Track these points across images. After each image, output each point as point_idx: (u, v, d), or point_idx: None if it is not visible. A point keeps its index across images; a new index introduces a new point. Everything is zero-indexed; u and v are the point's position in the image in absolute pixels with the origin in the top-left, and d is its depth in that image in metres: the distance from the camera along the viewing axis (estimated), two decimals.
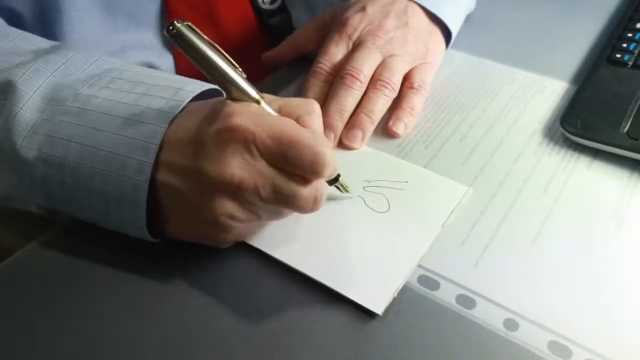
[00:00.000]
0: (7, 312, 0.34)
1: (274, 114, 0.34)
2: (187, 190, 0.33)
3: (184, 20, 0.31)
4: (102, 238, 0.37)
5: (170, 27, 0.31)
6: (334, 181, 0.38)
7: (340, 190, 0.39)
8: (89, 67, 0.38)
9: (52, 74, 0.36)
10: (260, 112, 0.33)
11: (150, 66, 0.52)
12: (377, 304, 0.33)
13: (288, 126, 0.32)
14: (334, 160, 0.33)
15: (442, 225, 0.38)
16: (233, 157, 0.31)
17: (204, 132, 0.32)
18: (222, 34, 0.54)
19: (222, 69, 0.32)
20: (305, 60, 0.52)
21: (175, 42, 0.31)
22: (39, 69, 0.36)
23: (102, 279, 0.35)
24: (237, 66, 0.33)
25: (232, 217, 0.32)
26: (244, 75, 0.33)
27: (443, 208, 0.39)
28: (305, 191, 0.32)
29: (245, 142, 0.31)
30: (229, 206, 0.32)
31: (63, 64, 0.37)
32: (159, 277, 0.35)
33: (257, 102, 0.33)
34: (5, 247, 0.42)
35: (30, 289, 0.35)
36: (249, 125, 0.31)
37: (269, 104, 0.34)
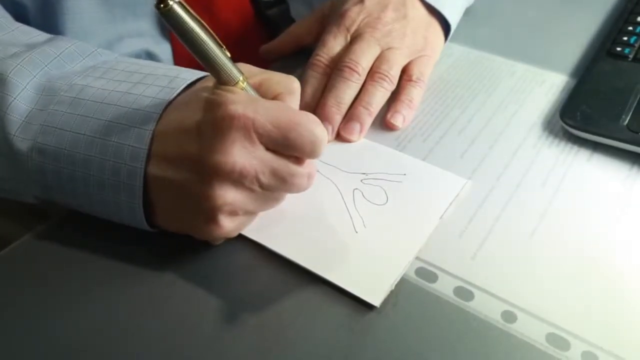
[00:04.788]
0: (4, 303, 0.34)
1: (254, 94, 0.34)
2: (184, 180, 0.32)
3: None
4: (98, 229, 0.37)
5: (161, 4, 0.29)
6: None
7: None
8: (84, 59, 0.38)
9: (46, 65, 0.36)
10: (253, 98, 0.33)
11: (149, 54, 0.52)
12: (375, 296, 0.33)
13: (284, 110, 0.32)
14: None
15: (441, 218, 0.38)
16: (233, 145, 0.31)
17: (200, 121, 0.32)
18: (220, 25, 0.54)
19: (211, 48, 0.31)
20: (303, 53, 0.52)
21: (164, 19, 0.30)
22: (33, 60, 0.36)
23: (97, 271, 0.35)
24: (223, 45, 0.32)
25: (230, 207, 0.32)
26: (228, 55, 0.32)
27: (441, 200, 0.39)
28: (302, 169, 0.34)
29: (246, 129, 0.31)
30: (229, 195, 0.32)
31: (58, 55, 0.37)
32: (154, 269, 0.35)
33: (240, 82, 0.33)
34: (5, 237, 0.42)
35: (28, 280, 0.35)
36: (247, 112, 0.31)
37: (251, 76, 0.34)
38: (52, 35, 0.40)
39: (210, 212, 0.32)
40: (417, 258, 0.35)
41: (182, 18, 0.29)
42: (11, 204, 0.43)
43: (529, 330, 0.32)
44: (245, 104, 0.31)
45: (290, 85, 0.35)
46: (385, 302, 0.33)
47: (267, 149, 0.32)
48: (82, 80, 0.35)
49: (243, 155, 0.31)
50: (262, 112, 0.31)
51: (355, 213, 0.38)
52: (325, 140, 0.33)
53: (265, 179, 0.32)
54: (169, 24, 0.30)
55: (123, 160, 0.33)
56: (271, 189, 0.33)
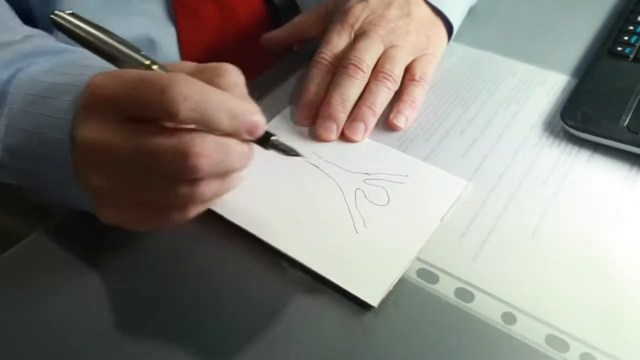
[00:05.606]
0: (7, 302, 0.34)
1: None
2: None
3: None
4: (99, 228, 0.36)
5: (52, 15, 0.30)
6: (264, 142, 0.31)
7: (282, 153, 0.32)
8: (53, 56, 0.38)
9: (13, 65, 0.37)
10: (123, 70, 0.30)
11: (150, 40, 0.52)
12: (373, 297, 0.33)
13: (137, 72, 0.28)
14: (204, 99, 0.27)
15: (441, 220, 0.38)
16: (85, 119, 0.29)
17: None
18: (226, 11, 0.53)
19: (102, 38, 0.30)
20: (307, 51, 0.52)
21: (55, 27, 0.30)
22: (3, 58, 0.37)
23: (98, 270, 0.36)
24: (130, 43, 0.31)
25: (100, 190, 0.30)
26: (137, 48, 0.31)
27: (442, 202, 0.39)
28: (166, 142, 0.27)
29: (95, 99, 0.28)
30: (93, 178, 0.29)
31: (29, 54, 0.38)
32: (155, 269, 0.36)
33: (148, 67, 0.30)
34: (8, 234, 0.42)
35: (30, 280, 0.35)
36: (97, 80, 0.28)
37: (180, 71, 0.31)
38: (34, 31, 0.41)
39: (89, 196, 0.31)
40: (418, 259, 0.36)
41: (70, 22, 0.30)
42: (14, 202, 0.43)
43: (528, 331, 0.32)
44: (104, 73, 0.29)
45: (218, 70, 0.30)
46: (386, 302, 0.33)
47: (126, 121, 0.28)
48: (44, 77, 0.34)
49: (94, 129, 0.28)
50: (113, 79, 0.28)
51: (357, 213, 0.38)
52: (189, 97, 0.27)
53: (125, 155, 0.28)
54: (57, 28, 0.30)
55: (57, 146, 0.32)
56: (146, 170, 0.28)
